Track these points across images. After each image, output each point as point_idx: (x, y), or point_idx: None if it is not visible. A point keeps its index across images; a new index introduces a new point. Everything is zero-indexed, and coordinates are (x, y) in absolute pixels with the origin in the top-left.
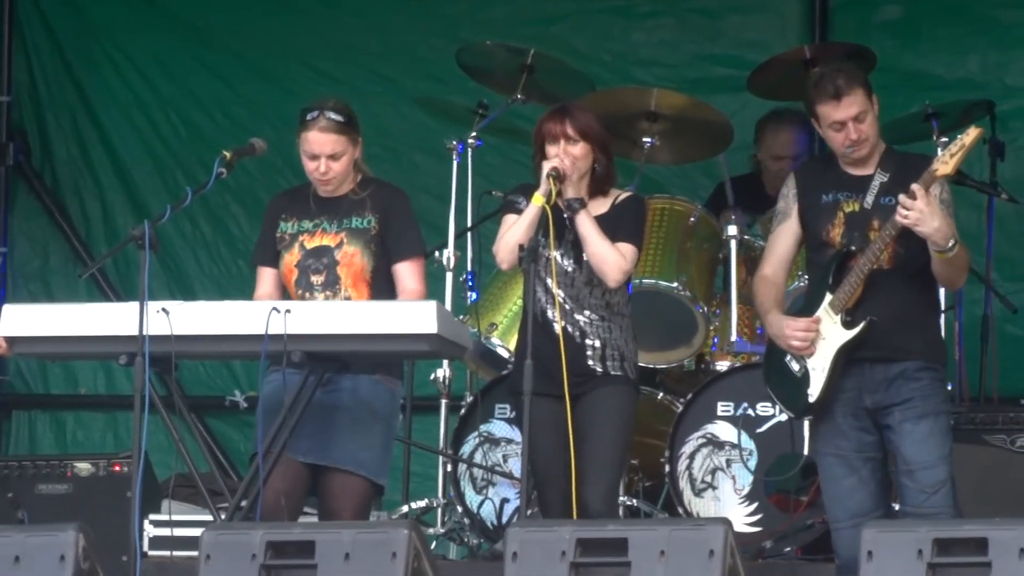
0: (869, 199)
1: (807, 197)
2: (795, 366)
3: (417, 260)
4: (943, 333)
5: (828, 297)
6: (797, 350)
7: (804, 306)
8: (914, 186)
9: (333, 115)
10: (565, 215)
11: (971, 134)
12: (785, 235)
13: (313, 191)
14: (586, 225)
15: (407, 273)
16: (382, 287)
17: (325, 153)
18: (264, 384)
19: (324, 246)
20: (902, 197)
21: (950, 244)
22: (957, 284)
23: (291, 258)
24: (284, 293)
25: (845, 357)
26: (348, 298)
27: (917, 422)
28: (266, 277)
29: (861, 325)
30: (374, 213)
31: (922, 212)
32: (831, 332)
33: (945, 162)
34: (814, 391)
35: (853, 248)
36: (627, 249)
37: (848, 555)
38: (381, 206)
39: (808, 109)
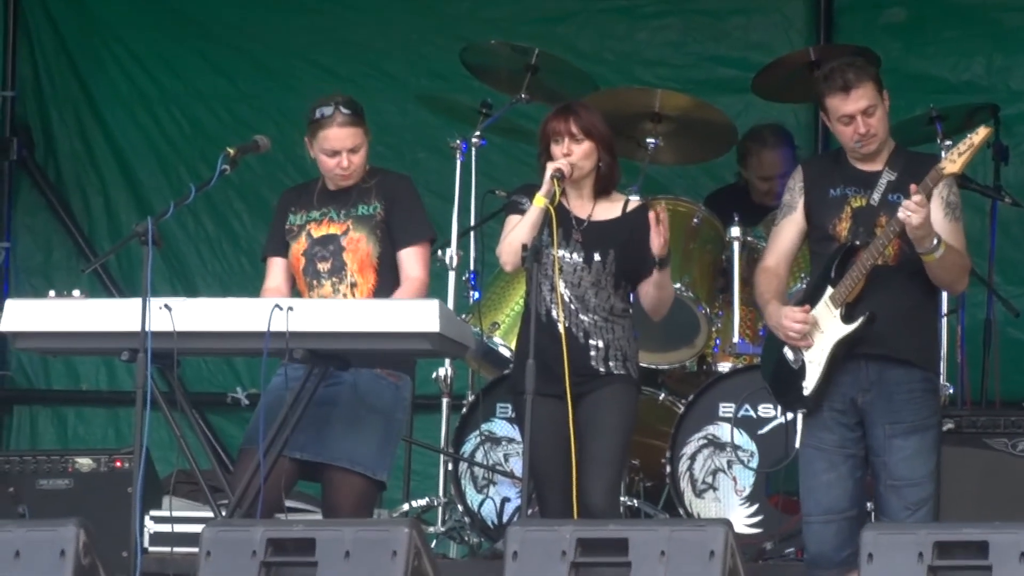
0: (876, 196)
1: (814, 191)
2: (792, 358)
3: (422, 246)
4: (945, 336)
5: (829, 291)
6: (794, 340)
7: (805, 298)
8: (914, 187)
9: (347, 109)
10: (573, 222)
11: (980, 133)
12: (789, 228)
13: (321, 185)
14: (668, 280)
15: (410, 260)
16: (388, 273)
17: (346, 148)
18: (272, 378)
19: (331, 234)
20: (913, 194)
21: (934, 243)
22: (957, 287)
23: (298, 247)
24: (294, 283)
25: (842, 352)
26: (354, 284)
27: (907, 437)
28: (276, 267)
29: (860, 320)
30: (379, 200)
31: (923, 215)
32: (830, 326)
33: (953, 160)
34: (809, 384)
35: (857, 243)
36: None
37: (816, 550)
38: (386, 193)
39: (817, 103)
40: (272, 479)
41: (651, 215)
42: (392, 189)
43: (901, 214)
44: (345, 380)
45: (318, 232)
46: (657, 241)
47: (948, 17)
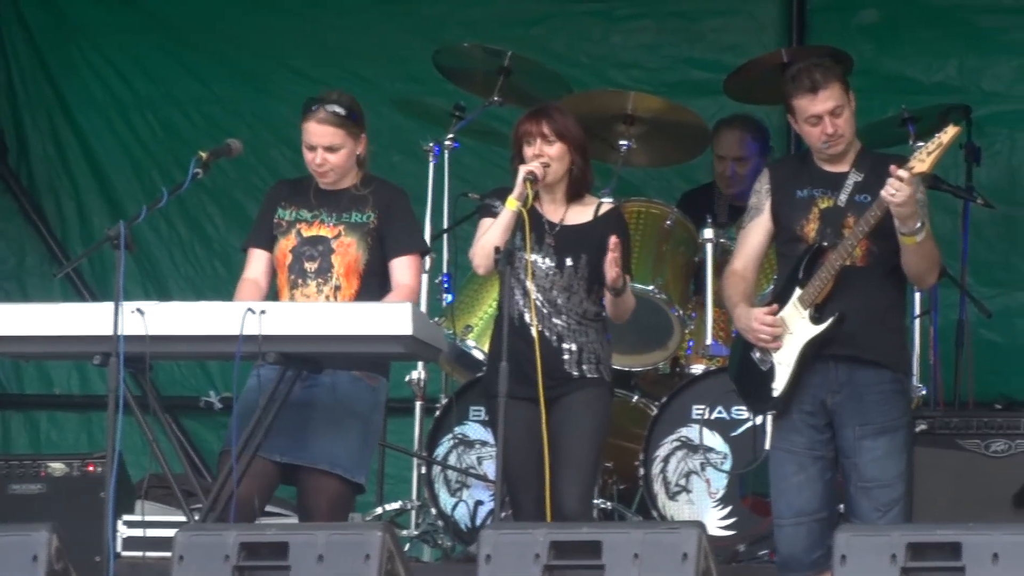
0: (843, 197)
1: (781, 192)
2: (761, 360)
3: (415, 256)
4: (918, 338)
5: (797, 292)
6: (764, 343)
7: (772, 300)
8: (901, 171)
9: (333, 107)
10: (546, 226)
11: (949, 132)
12: (756, 230)
13: (315, 183)
14: (626, 296)
15: (402, 267)
16: (372, 281)
17: (322, 144)
18: (247, 380)
19: (321, 236)
20: (900, 171)
21: (918, 225)
22: (927, 280)
23: (287, 243)
24: (274, 277)
25: (812, 353)
26: (338, 287)
27: (877, 438)
28: (257, 258)
29: (830, 321)
30: (375, 210)
31: (907, 192)
32: (799, 327)
33: (922, 160)
34: (778, 385)
35: (825, 244)
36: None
37: (787, 552)
38: (382, 204)
39: (785, 105)
40: (256, 483)
41: (611, 241)
42: (388, 201)
43: (886, 192)
44: (323, 382)
45: (308, 232)
46: (610, 273)
47: (921, 18)
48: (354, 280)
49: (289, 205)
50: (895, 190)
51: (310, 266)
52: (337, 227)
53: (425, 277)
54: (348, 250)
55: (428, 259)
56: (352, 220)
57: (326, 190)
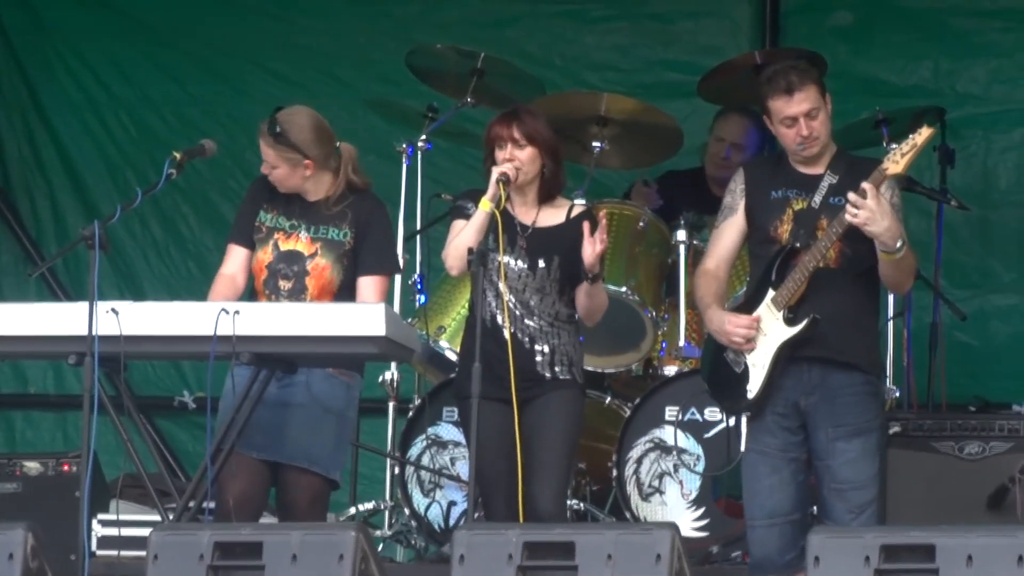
0: (817, 199)
1: (755, 193)
2: (735, 362)
3: (383, 277)
4: (892, 340)
5: (771, 293)
6: (738, 346)
7: (745, 301)
8: (865, 184)
9: (274, 127)
10: (518, 228)
11: (923, 133)
12: (730, 230)
13: None
14: (600, 290)
15: (368, 288)
16: (344, 296)
17: (265, 159)
18: (227, 380)
19: (298, 252)
20: (852, 195)
21: (898, 245)
22: (904, 288)
23: (264, 256)
24: (250, 278)
25: (786, 354)
26: None
27: (850, 440)
28: (236, 256)
29: (804, 322)
30: (351, 227)
31: (872, 211)
32: (772, 328)
33: (896, 161)
34: (753, 387)
35: (798, 245)
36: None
37: (760, 553)
38: (359, 220)
39: (761, 106)
40: (250, 482)
41: (586, 224)
42: (366, 217)
43: (848, 214)
44: (298, 381)
45: (285, 245)
46: (590, 252)
47: (895, 20)
48: (327, 301)
49: (271, 209)
50: (855, 211)
51: (284, 284)
52: (314, 244)
53: (398, 278)
54: (324, 273)
55: (402, 260)
56: (329, 237)
57: (306, 200)
